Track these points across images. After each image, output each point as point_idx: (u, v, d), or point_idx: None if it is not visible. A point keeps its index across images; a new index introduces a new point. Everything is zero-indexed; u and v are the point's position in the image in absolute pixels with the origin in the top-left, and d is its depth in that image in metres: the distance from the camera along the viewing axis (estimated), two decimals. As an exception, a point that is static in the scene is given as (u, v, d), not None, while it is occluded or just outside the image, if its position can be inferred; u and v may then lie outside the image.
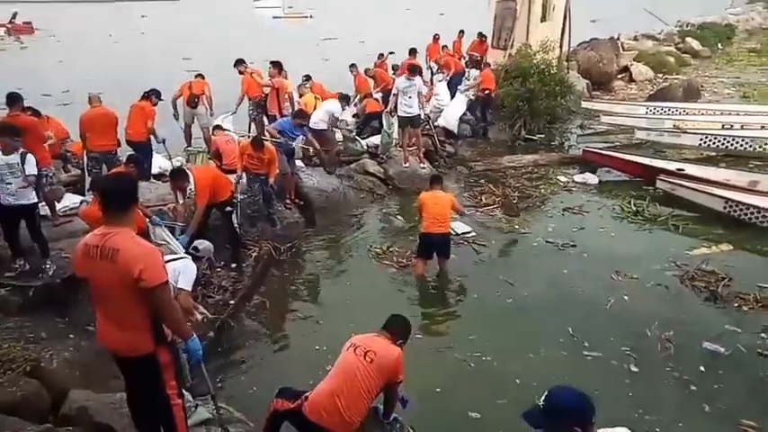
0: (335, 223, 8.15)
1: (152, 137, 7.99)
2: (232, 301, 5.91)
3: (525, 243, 7.44)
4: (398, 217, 8.37)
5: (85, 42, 30.31)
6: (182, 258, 4.37)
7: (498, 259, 7.06)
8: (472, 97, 11.84)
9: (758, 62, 22.10)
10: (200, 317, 4.65)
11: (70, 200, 6.88)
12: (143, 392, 3.16)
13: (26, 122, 6.01)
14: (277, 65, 9.70)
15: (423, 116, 9.66)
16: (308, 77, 10.81)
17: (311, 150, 8.78)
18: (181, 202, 6.31)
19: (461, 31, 14.19)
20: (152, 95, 8.14)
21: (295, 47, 25.62)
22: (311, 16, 43.70)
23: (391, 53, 13.15)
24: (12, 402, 3.83)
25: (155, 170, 8.28)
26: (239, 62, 9.96)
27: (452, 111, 11.61)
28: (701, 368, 4.93)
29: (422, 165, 9.57)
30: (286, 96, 9.68)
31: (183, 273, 4.08)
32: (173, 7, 53.85)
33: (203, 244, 5.14)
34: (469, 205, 8.47)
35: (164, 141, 8.27)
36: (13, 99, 6.26)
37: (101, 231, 2.90)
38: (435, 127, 11.08)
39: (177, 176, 6.22)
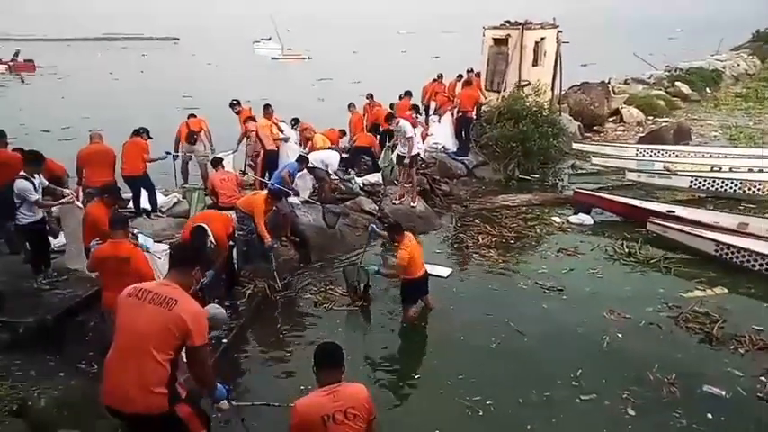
0: (331, 261, 8.14)
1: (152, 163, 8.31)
2: (225, 340, 5.85)
3: (515, 284, 7.42)
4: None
5: (86, 80, 30.73)
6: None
7: (487, 300, 7.01)
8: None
9: (744, 106, 22.65)
10: None
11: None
12: None
13: (6, 157, 6.37)
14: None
15: (420, 156, 9.85)
16: (296, 120, 11.14)
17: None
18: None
19: (459, 76, 14.48)
20: (142, 133, 8.28)
21: (292, 87, 26.12)
22: (309, 57, 44.59)
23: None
24: (-5, 443, 3.76)
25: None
26: (234, 104, 10.21)
27: (442, 132, 12.44)
28: (709, 415, 4.84)
29: (413, 204, 9.56)
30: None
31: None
32: (173, 48, 54.93)
33: (218, 310, 4.77)
34: (464, 246, 8.59)
35: (169, 154, 8.95)
36: None
37: (162, 282, 3.10)
38: (431, 166, 11.23)
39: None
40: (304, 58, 44.37)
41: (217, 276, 6.27)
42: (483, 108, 13.10)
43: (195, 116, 10.22)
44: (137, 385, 2.88)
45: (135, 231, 5.98)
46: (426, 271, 6.46)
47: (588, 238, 8.96)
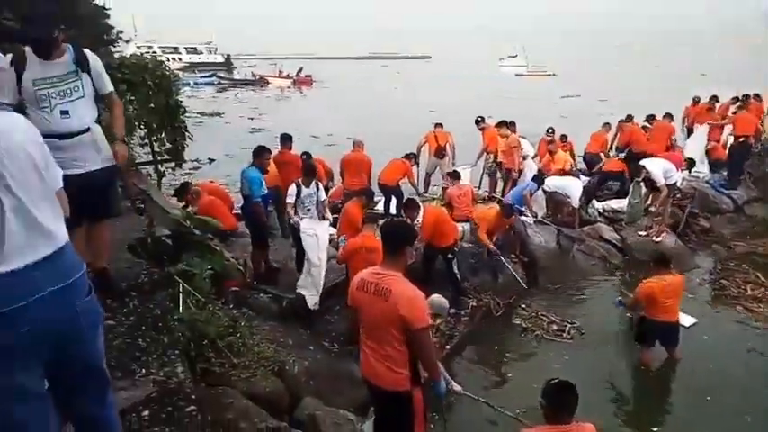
0: (559, 287, 7.77)
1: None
2: (448, 346, 6.05)
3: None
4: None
5: (350, 94, 34.97)
6: None
7: (745, 361, 5.93)
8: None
9: None
10: None
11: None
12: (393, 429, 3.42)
13: (290, 158, 7.44)
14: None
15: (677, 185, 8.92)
16: (552, 129, 10.94)
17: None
18: None
19: (735, 98, 12.32)
20: (411, 158, 9.29)
21: (535, 103, 25.78)
22: (554, 74, 43.50)
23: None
24: (259, 395, 4.47)
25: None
26: (479, 120, 10.46)
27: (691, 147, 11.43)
28: None
29: (656, 239, 8.52)
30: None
31: None
32: (425, 65, 58.97)
33: (440, 300, 5.09)
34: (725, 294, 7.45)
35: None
36: (285, 139, 7.93)
37: (376, 270, 3.26)
38: (689, 197, 9.90)
39: (408, 207, 6.94)
40: (549, 75, 43.46)
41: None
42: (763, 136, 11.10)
43: (441, 126, 10.67)
44: (383, 365, 3.21)
45: None
46: (677, 321, 5.78)
47: None
